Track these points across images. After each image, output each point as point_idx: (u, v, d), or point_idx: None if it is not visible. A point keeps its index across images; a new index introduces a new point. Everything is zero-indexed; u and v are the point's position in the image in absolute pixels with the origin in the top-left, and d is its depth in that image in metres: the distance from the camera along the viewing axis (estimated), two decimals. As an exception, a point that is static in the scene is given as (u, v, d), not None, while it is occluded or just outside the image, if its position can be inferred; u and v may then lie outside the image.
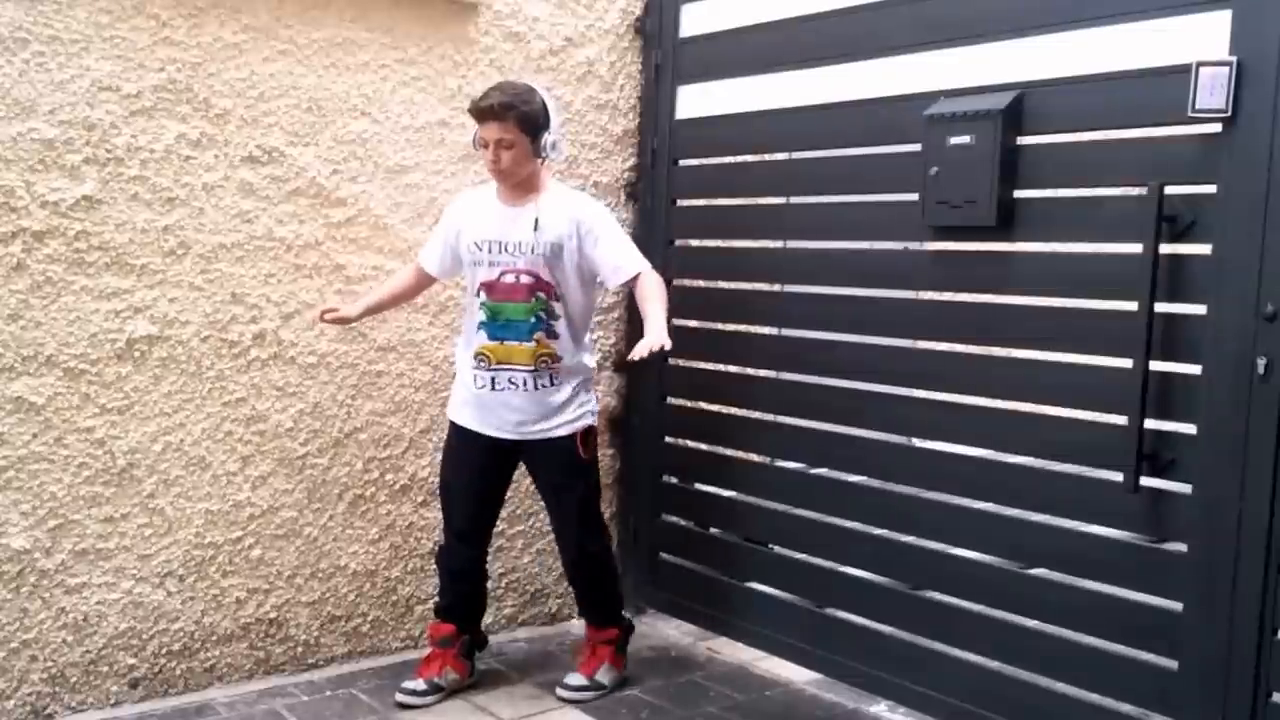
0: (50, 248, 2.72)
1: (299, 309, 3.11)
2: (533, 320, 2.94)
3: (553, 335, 2.96)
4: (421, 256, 3.11)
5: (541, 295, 2.94)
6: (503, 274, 2.93)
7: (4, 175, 2.64)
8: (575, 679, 3.11)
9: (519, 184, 2.95)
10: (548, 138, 2.90)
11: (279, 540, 3.15)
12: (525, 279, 2.93)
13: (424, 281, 3.14)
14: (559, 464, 3.05)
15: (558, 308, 2.96)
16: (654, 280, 3.01)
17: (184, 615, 3.01)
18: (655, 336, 2.83)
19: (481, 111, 2.85)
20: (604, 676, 3.14)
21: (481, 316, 2.96)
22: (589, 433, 3.06)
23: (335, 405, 3.21)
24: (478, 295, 2.96)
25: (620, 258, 3.00)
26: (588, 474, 3.11)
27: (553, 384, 2.98)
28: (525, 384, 2.95)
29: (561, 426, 3.00)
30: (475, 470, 3.06)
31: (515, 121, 2.83)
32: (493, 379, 2.95)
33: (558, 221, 2.94)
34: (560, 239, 2.93)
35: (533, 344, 2.94)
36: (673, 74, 3.65)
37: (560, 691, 3.08)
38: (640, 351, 2.81)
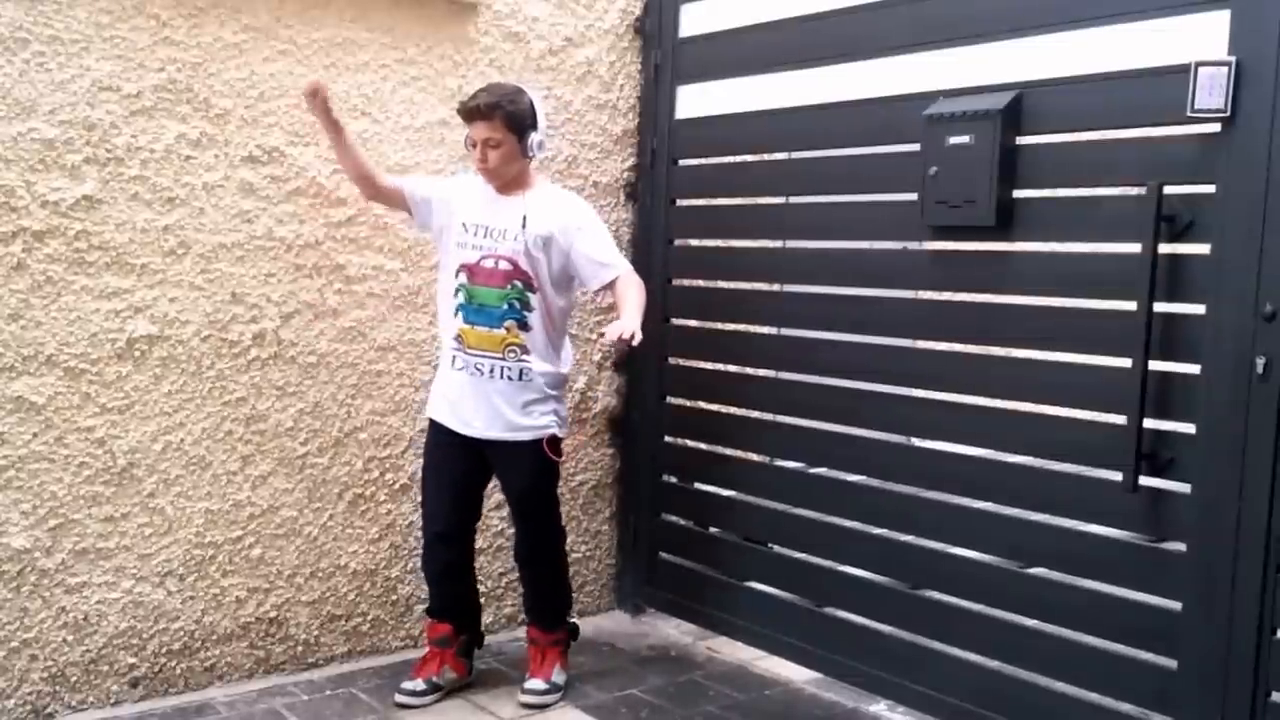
0: (50, 247, 2.72)
1: (299, 309, 3.11)
2: (505, 307, 2.95)
3: (525, 327, 2.96)
4: (405, 184, 3.04)
5: (518, 284, 2.95)
6: (483, 258, 2.95)
7: (4, 175, 2.64)
8: (536, 684, 3.09)
9: (508, 183, 2.99)
10: (534, 137, 2.93)
11: (279, 539, 3.15)
12: (504, 265, 2.95)
13: (390, 193, 3.03)
14: (522, 467, 3.04)
15: (533, 299, 2.96)
16: (634, 281, 3.00)
17: (184, 614, 3.01)
18: (629, 322, 2.82)
19: (469, 111, 2.90)
20: (559, 678, 3.14)
21: (460, 300, 2.97)
22: (555, 440, 3.06)
23: (335, 405, 3.21)
24: (456, 277, 2.98)
25: (604, 258, 3.01)
26: (550, 478, 3.11)
27: (522, 379, 2.97)
28: (493, 372, 2.95)
29: (526, 432, 2.99)
30: (450, 469, 3.05)
31: (502, 121, 2.87)
32: (467, 363, 2.98)
33: (546, 218, 2.96)
34: (548, 234, 2.95)
35: (502, 331, 2.95)
36: (672, 74, 3.65)
37: (524, 697, 3.06)
38: (611, 334, 2.81)
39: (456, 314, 2.98)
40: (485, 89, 2.95)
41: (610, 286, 3.01)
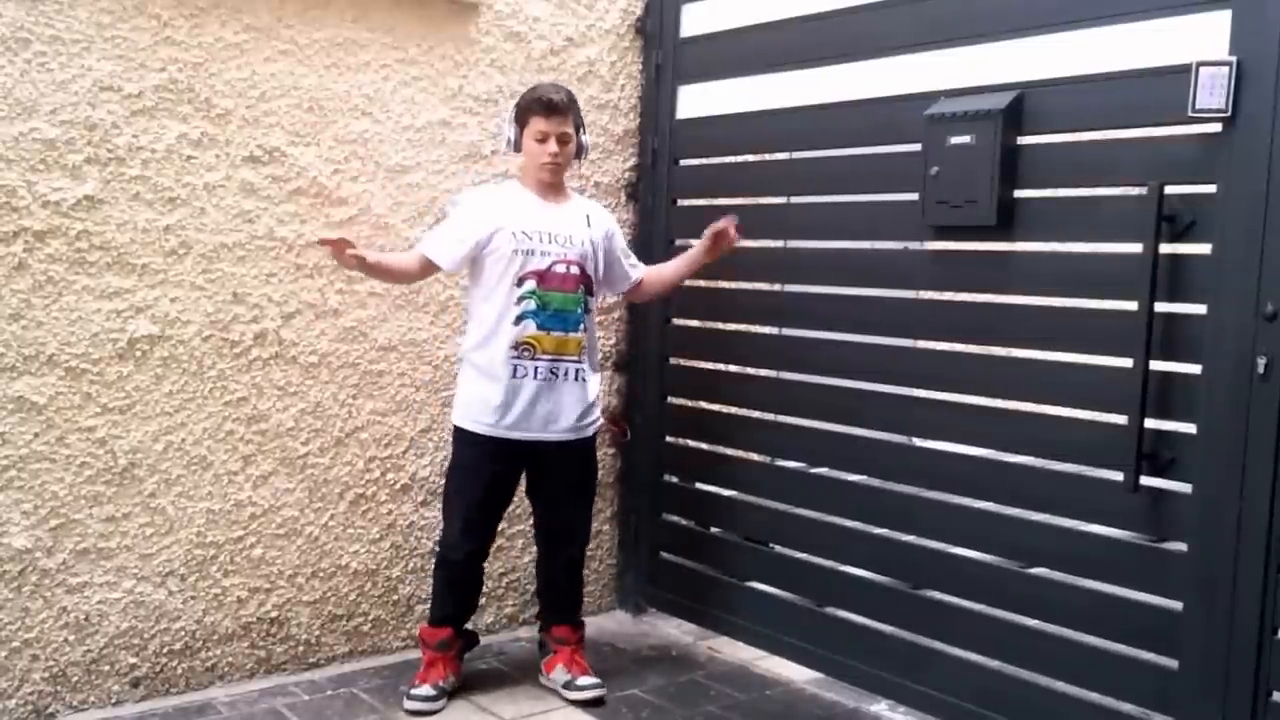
0: (52, 247, 2.72)
1: (300, 308, 3.11)
2: (578, 311, 3.02)
3: (587, 329, 3.06)
4: (430, 250, 2.99)
5: (584, 287, 3.03)
6: (554, 264, 2.97)
7: (6, 175, 2.64)
8: (588, 680, 3.09)
9: (555, 189, 3.06)
10: (585, 138, 3.07)
11: (280, 539, 3.15)
12: (574, 269, 3.01)
13: (427, 272, 3.05)
14: (583, 462, 3.12)
15: (591, 303, 3.08)
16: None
17: (185, 614, 3.01)
18: (707, 236, 3.15)
19: (551, 105, 2.94)
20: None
21: (529, 306, 2.95)
22: (597, 431, 3.17)
23: (336, 405, 3.21)
24: (520, 284, 2.94)
25: (635, 262, 3.26)
26: (596, 473, 3.21)
27: (586, 379, 3.06)
28: (569, 375, 3.00)
29: (590, 426, 3.09)
30: (494, 480, 3.05)
31: (573, 117, 2.99)
32: (535, 369, 2.96)
33: (598, 221, 3.10)
34: (599, 239, 3.07)
35: (579, 334, 3.02)
36: (673, 74, 3.65)
37: (580, 694, 3.06)
38: (723, 222, 3.09)
39: (524, 320, 2.95)
40: (547, 86, 3.03)
41: (635, 287, 3.25)
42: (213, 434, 3.01)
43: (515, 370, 2.96)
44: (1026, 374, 2.77)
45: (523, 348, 2.95)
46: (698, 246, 3.20)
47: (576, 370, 3.01)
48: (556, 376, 2.98)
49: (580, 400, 3.04)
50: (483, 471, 3.02)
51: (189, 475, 2.98)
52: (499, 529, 3.47)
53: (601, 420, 3.18)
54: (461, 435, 3.04)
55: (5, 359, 2.69)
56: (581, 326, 3.02)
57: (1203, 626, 2.34)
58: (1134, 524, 2.51)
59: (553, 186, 3.04)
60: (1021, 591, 2.71)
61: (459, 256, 2.99)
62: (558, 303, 2.97)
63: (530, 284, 2.95)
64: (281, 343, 3.10)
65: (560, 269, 2.98)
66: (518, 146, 3.02)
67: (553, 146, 2.94)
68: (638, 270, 3.24)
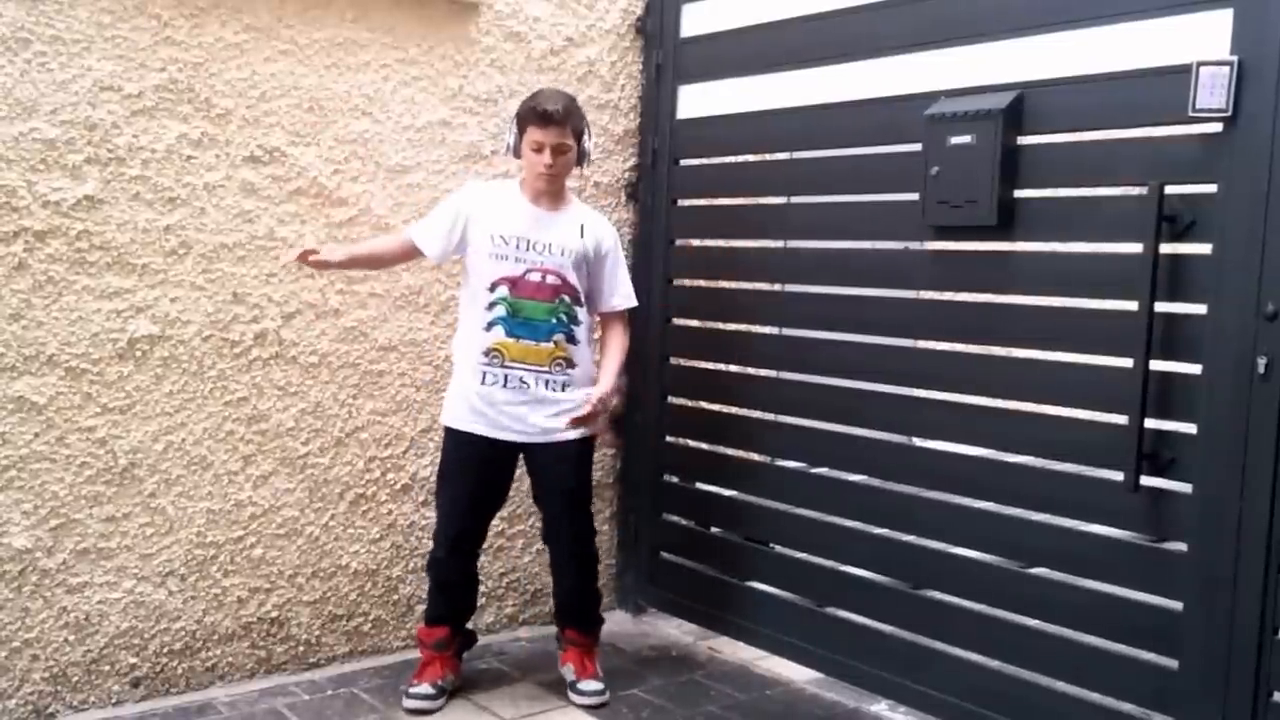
0: (52, 247, 2.72)
1: (300, 309, 3.11)
2: (553, 321, 2.96)
3: (572, 340, 3.00)
4: (416, 235, 3.00)
5: (565, 298, 2.98)
6: (528, 272, 2.95)
7: (6, 175, 2.64)
8: (592, 685, 3.09)
9: (554, 197, 3.02)
10: (587, 145, 3.01)
11: (280, 539, 3.15)
12: (551, 279, 2.96)
13: (410, 256, 3.05)
14: (567, 465, 3.04)
15: (580, 313, 3.01)
16: (625, 336, 3.16)
17: (185, 614, 3.01)
18: (606, 386, 3.02)
19: (546, 115, 2.87)
20: (601, 674, 3.16)
21: (500, 312, 2.94)
22: (593, 436, 3.12)
23: (336, 405, 3.21)
24: (492, 290, 2.95)
25: (627, 287, 3.14)
26: (589, 476, 3.15)
27: (564, 389, 2.99)
28: (536, 384, 2.96)
29: (573, 429, 3.01)
30: (479, 479, 3.03)
31: (573, 128, 2.93)
32: (505, 376, 2.95)
33: (594, 232, 3.04)
34: (590, 250, 3.02)
35: (550, 345, 2.96)
36: (673, 74, 3.65)
37: (584, 699, 3.06)
38: (589, 404, 2.96)
39: (491, 328, 2.94)
40: (548, 95, 2.94)
41: (614, 317, 3.13)
42: (213, 434, 3.01)
43: (485, 377, 2.95)
44: (1026, 374, 2.77)
45: (492, 354, 2.95)
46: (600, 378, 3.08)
47: (547, 380, 2.96)
48: (527, 385, 2.95)
49: (550, 406, 2.97)
50: (462, 470, 3.02)
51: (189, 475, 2.98)
52: (498, 529, 3.49)
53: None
54: (446, 433, 3.06)
55: (5, 359, 2.69)
56: (555, 338, 2.96)
57: (1203, 626, 2.34)
58: (1134, 524, 2.51)
59: (550, 194, 3.01)
60: (1021, 591, 2.71)
61: (443, 248, 2.99)
62: (528, 311, 2.94)
63: (502, 290, 2.94)
64: (282, 343, 3.10)
65: (534, 277, 2.95)
66: (517, 153, 3.00)
67: (548, 158, 2.90)
68: (622, 302, 3.11)
